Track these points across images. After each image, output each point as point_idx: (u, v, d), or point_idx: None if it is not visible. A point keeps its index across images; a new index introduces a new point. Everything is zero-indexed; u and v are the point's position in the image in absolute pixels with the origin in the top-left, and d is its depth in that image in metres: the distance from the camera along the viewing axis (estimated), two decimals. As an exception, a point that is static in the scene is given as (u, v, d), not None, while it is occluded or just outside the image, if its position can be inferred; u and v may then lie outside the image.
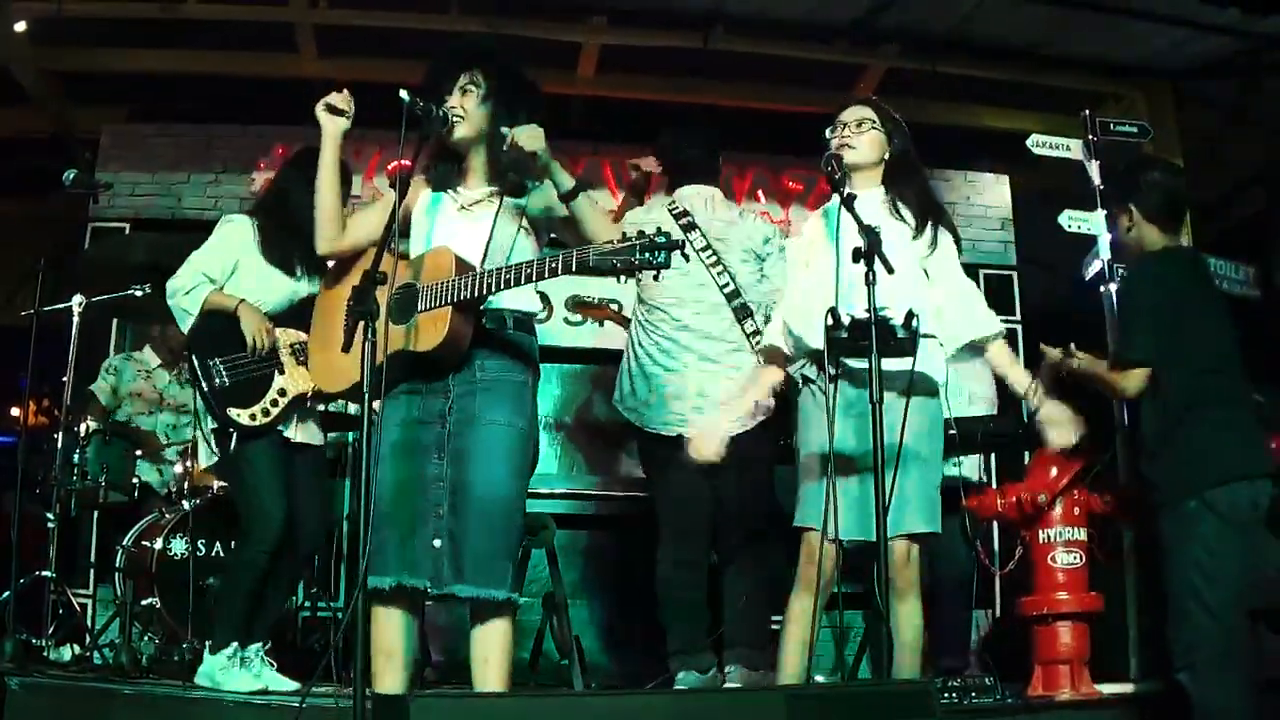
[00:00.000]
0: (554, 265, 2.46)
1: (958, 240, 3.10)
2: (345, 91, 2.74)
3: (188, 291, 3.54)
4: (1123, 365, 3.13)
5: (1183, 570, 3.06)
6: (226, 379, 3.49)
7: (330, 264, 3.00)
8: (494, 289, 2.54)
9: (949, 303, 2.99)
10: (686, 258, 3.59)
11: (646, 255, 2.33)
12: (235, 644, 3.39)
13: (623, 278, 2.39)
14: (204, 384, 3.49)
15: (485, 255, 2.66)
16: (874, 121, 3.03)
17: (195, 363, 3.51)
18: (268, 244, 3.59)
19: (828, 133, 3.05)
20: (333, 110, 2.72)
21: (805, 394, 3.04)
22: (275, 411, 3.51)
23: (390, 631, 2.58)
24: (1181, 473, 3.10)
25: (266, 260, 3.58)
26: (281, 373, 3.55)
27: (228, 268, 3.58)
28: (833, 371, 2.82)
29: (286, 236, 3.56)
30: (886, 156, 3.05)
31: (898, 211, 3.00)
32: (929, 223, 3.01)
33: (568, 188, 2.63)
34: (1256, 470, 3.06)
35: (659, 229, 2.39)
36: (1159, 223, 3.28)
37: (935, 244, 3.01)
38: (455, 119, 2.69)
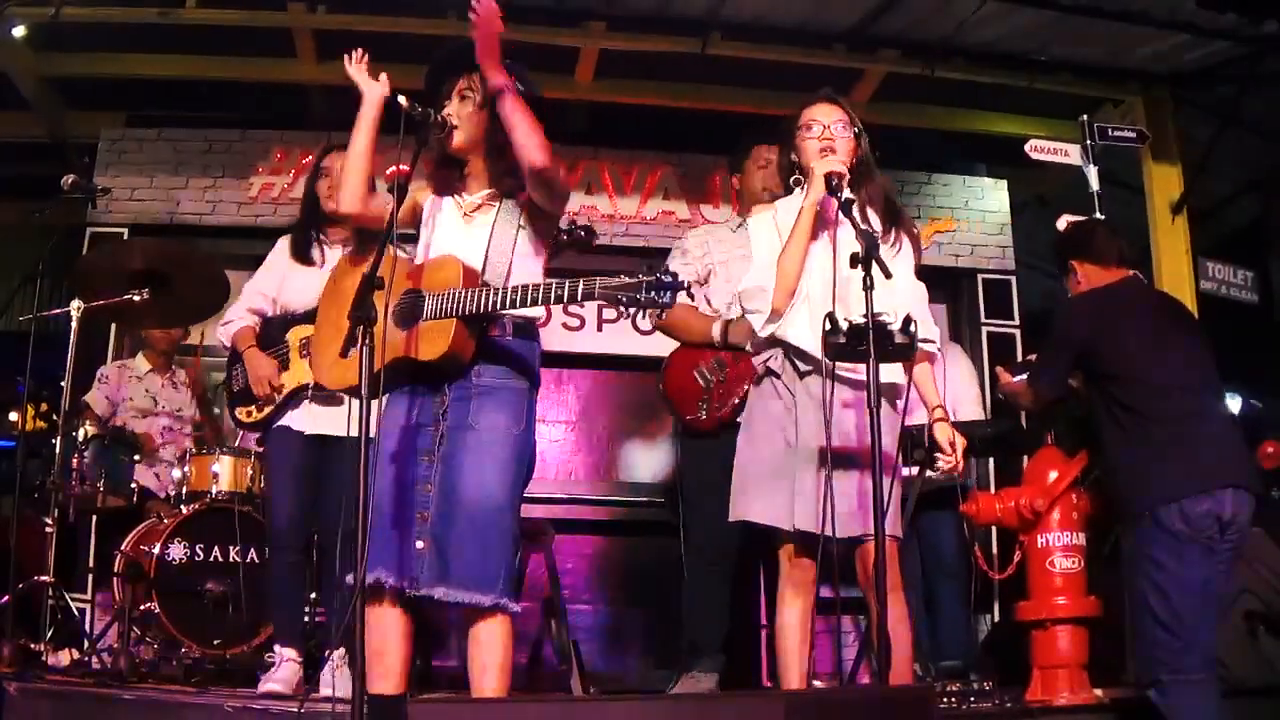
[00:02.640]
0: (560, 293, 2.49)
1: (917, 244, 3.04)
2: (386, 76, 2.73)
3: (224, 324, 3.81)
4: (1034, 390, 3.45)
5: (1139, 586, 3.06)
6: (242, 381, 3.68)
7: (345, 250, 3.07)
8: (500, 307, 2.55)
9: (902, 304, 2.96)
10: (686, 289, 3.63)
11: (652, 294, 2.36)
12: (294, 650, 3.43)
13: (630, 310, 2.41)
14: (226, 389, 3.79)
15: (486, 258, 2.67)
16: (847, 124, 2.97)
17: (226, 369, 3.80)
18: (294, 247, 3.69)
19: (805, 132, 2.98)
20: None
21: (765, 386, 2.94)
22: (269, 408, 3.60)
23: (378, 631, 2.56)
24: (1133, 490, 3.12)
25: (295, 262, 3.67)
26: (285, 368, 3.59)
27: (275, 282, 3.72)
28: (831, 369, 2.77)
29: (303, 231, 3.67)
30: (855, 160, 2.95)
31: (866, 216, 2.95)
32: (893, 227, 2.98)
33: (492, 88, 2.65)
34: (1216, 482, 3.02)
35: (666, 268, 2.40)
36: (1101, 262, 3.42)
37: (898, 247, 2.96)
38: (453, 126, 2.70)
